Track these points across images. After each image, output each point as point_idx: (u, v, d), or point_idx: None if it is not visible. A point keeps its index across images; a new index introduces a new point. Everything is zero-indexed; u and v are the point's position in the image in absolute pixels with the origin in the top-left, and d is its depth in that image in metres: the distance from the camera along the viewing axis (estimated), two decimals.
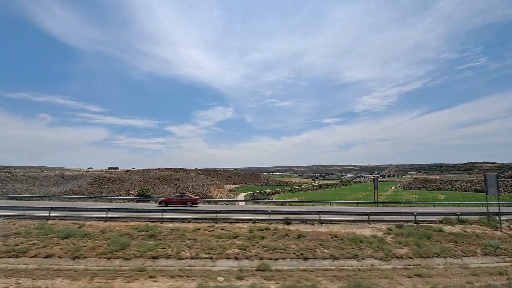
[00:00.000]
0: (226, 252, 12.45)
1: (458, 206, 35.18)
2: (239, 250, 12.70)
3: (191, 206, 24.38)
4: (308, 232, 15.62)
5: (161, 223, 16.89)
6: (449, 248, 13.80)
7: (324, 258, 12.43)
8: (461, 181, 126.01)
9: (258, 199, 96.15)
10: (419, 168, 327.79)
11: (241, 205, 33.73)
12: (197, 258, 11.93)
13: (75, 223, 16.37)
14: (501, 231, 17.02)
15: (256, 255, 12.28)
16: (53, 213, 18.04)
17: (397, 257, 12.58)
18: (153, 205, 25.29)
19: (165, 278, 9.98)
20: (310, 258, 12.37)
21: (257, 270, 11.04)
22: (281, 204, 33.87)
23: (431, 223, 18.61)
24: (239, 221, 18.03)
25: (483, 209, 28.53)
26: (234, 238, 14.18)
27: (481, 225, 18.05)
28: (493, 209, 20.19)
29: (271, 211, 19.09)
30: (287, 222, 17.82)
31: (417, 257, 12.59)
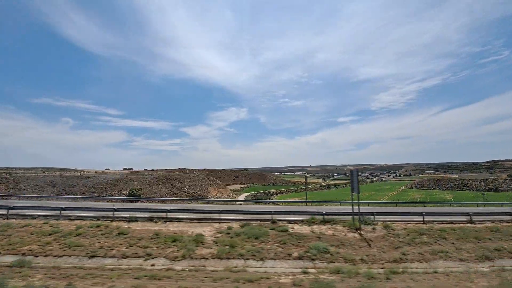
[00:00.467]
0: None
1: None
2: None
3: None
4: (134, 229, 15.52)
5: None
6: (270, 249, 13.05)
7: (111, 257, 12.09)
8: (474, 180, 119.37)
9: (258, 199, 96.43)
10: (438, 167, 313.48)
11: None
12: None
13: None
14: (359, 233, 15.85)
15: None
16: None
17: (194, 258, 12.04)
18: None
19: None
20: (98, 256, 12.06)
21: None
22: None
23: (296, 223, 17.95)
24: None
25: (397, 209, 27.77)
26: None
27: (344, 226, 17.07)
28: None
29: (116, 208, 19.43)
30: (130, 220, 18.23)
31: (214, 258, 12.02)
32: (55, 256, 12.13)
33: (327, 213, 18.98)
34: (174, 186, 70.20)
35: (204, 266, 11.42)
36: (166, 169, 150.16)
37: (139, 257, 12.17)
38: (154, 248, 12.95)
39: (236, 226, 16.96)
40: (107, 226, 16.04)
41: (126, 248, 12.99)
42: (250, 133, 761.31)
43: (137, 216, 18.65)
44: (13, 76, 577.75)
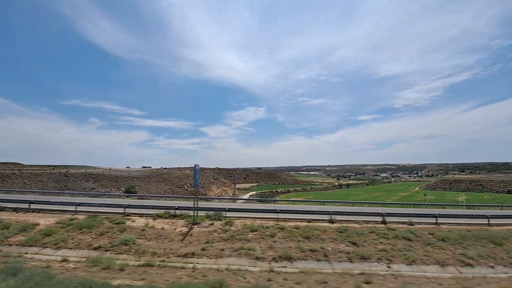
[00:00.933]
0: None
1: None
2: None
3: None
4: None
5: None
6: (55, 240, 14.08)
7: None
8: (494, 181, 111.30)
9: (263, 198, 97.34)
10: (464, 167, 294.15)
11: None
12: None
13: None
14: (189, 228, 16.37)
15: None
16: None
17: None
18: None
19: None
20: None
21: None
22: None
23: (149, 217, 18.58)
24: None
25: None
26: None
27: (186, 221, 17.50)
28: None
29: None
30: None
31: None
32: None
33: (179, 208, 19.46)
34: (174, 183, 73.18)
35: None
36: (178, 167, 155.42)
37: None
38: None
39: (82, 217, 17.99)
40: None
41: None
42: (268, 132, 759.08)
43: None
44: (46, 80, 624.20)
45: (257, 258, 12.75)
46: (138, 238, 14.48)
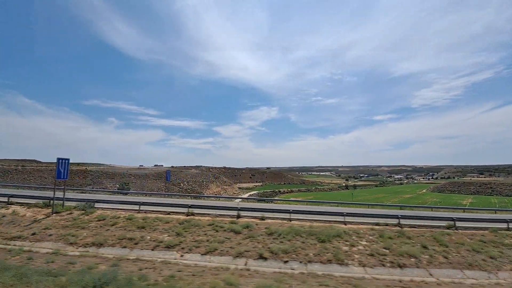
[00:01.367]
0: None
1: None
2: None
3: None
4: None
5: None
6: None
7: None
8: (505, 184, 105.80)
9: (262, 197, 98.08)
10: (483, 170, 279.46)
11: None
12: None
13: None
14: (45, 215, 17.32)
15: None
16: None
17: None
18: None
19: None
20: None
21: None
22: None
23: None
24: None
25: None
26: None
27: (48, 209, 18.34)
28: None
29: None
30: None
31: None
32: None
33: (62, 199, 19.75)
34: (171, 181, 75.71)
35: None
36: (184, 166, 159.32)
37: None
38: None
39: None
40: None
41: None
42: (281, 132, 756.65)
43: None
44: (68, 81, 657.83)
45: (71, 244, 13.34)
46: None
